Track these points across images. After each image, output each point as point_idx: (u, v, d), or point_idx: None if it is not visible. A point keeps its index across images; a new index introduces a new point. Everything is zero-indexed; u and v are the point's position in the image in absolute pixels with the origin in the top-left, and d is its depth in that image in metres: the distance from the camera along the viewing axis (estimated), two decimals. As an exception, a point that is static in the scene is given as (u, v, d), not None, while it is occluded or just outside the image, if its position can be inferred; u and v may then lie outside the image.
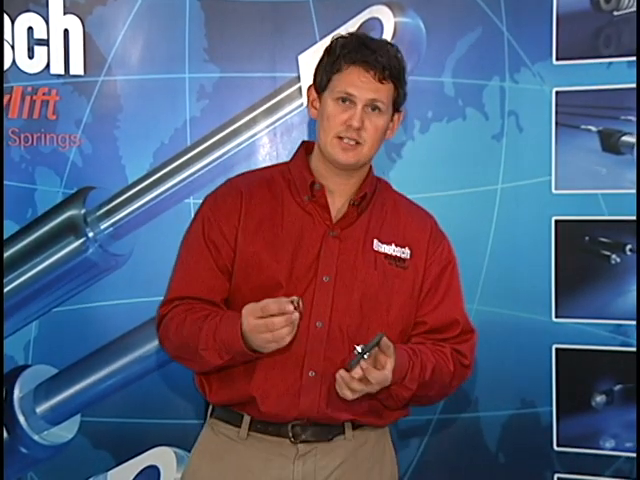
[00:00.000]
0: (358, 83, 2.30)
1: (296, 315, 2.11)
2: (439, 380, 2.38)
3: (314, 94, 2.39)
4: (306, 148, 2.48)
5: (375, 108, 2.33)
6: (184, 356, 2.36)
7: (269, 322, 2.13)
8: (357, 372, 2.18)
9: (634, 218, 3.27)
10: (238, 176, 2.52)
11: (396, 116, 2.40)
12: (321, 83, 2.35)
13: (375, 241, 2.40)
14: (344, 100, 2.31)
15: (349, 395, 2.20)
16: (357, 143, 2.32)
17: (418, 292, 2.44)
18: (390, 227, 2.43)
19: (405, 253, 2.42)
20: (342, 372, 2.18)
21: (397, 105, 2.38)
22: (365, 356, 2.15)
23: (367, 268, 2.38)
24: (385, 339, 2.19)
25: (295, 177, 2.41)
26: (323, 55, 2.39)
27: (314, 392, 2.35)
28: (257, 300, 2.21)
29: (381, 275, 2.39)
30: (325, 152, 2.36)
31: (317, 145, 2.41)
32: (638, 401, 3.23)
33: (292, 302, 2.12)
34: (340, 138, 2.32)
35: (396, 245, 2.42)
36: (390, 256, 2.41)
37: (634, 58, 3.25)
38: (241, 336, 2.19)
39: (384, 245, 2.41)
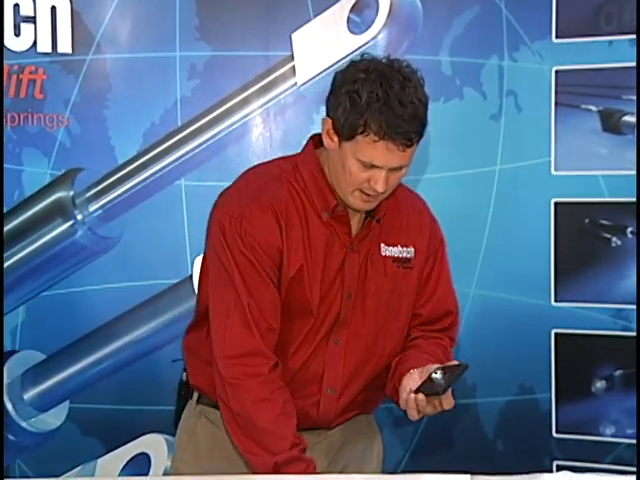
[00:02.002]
0: (386, 155, 2.18)
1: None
2: None
3: (331, 127, 2.22)
4: (315, 144, 2.36)
5: (399, 168, 2.24)
6: (235, 435, 2.29)
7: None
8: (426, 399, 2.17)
9: (635, 200, 3.26)
10: (257, 187, 2.31)
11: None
12: (342, 130, 2.19)
13: (382, 245, 2.36)
14: (368, 166, 2.21)
15: (416, 417, 2.19)
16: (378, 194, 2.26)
17: (418, 286, 2.43)
18: (394, 228, 2.38)
19: (410, 252, 2.39)
20: (420, 396, 2.15)
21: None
22: (449, 388, 2.13)
23: (378, 277, 2.34)
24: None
25: (313, 193, 2.30)
26: (342, 91, 2.19)
27: (331, 407, 2.35)
28: (290, 320, 2.25)
29: (391, 281, 2.36)
30: (344, 199, 2.27)
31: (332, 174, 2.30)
32: (638, 387, 3.21)
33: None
34: (362, 191, 2.24)
35: (401, 246, 2.38)
36: (397, 258, 2.37)
37: (635, 36, 3.23)
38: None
39: (390, 247, 2.37)
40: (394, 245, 2.37)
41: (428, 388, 2.12)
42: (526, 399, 3.44)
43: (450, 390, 2.17)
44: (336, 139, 2.22)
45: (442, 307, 2.43)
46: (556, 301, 3.41)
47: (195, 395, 2.44)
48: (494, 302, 3.39)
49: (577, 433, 3.42)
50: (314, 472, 2.17)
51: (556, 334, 3.42)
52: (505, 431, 3.47)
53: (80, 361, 3.39)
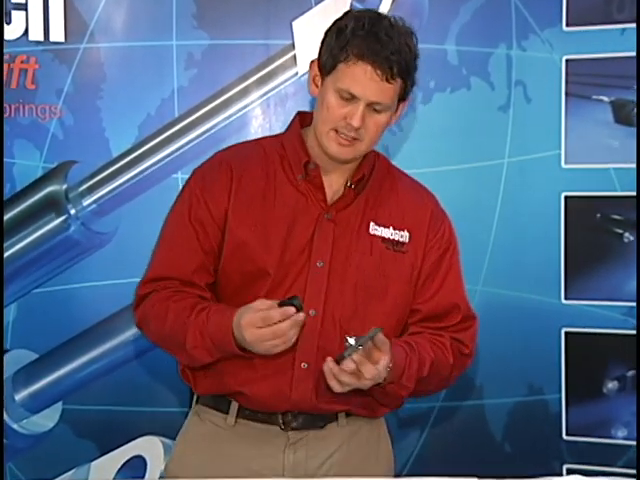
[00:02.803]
0: (363, 82, 2.21)
1: (301, 316, 2.10)
2: (438, 375, 2.34)
3: (317, 70, 2.30)
4: (301, 120, 2.40)
5: (378, 108, 2.26)
6: (168, 347, 2.35)
7: (276, 329, 2.11)
8: (348, 365, 2.13)
9: (645, 194, 3.24)
10: (228, 148, 2.46)
11: (401, 104, 2.33)
12: (325, 65, 2.26)
13: (371, 224, 2.34)
14: (346, 97, 2.23)
15: (338, 388, 2.16)
16: (355, 139, 2.26)
17: (416, 278, 2.38)
18: (388, 208, 2.37)
19: (404, 237, 2.36)
20: (331, 364, 2.13)
21: (404, 96, 2.30)
22: (358, 349, 2.11)
23: (362, 254, 2.32)
24: (381, 335, 2.14)
25: (289, 154, 2.35)
26: (332, 29, 2.28)
27: (306, 384, 2.30)
28: (246, 286, 2.26)
29: (377, 261, 2.33)
30: (320, 142, 2.30)
31: (313, 124, 2.35)
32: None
33: (294, 304, 2.10)
34: (337, 132, 2.25)
35: (394, 228, 2.35)
36: (387, 240, 2.34)
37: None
38: (232, 336, 2.17)
39: (381, 228, 2.35)
40: (385, 226, 2.35)
41: (342, 355, 2.12)
42: (535, 400, 3.42)
43: (365, 357, 2.13)
44: (320, 80, 2.27)
45: (447, 303, 2.39)
46: (566, 299, 3.39)
47: (196, 395, 2.45)
48: (502, 300, 3.37)
49: (588, 435, 3.39)
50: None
51: (566, 333, 3.39)
52: (513, 433, 3.45)
53: (73, 361, 3.36)
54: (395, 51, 2.20)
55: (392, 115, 2.30)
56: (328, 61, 2.24)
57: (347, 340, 2.11)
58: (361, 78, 2.20)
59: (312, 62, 2.32)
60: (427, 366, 2.29)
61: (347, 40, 2.21)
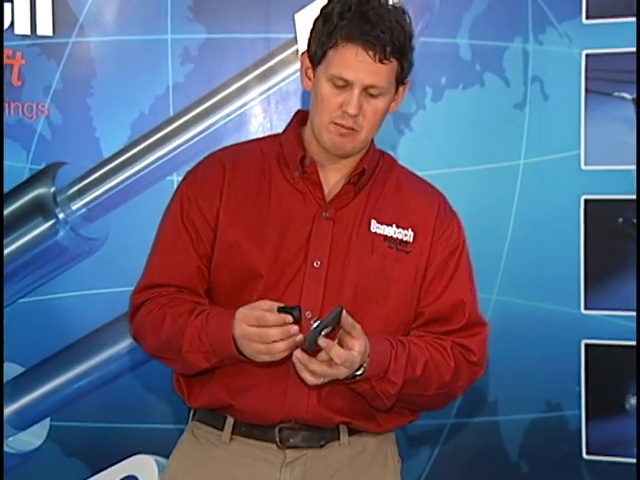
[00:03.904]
0: (355, 65, 2.18)
1: (295, 329, 2.05)
2: (435, 377, 2.27)
3: (308, 62, 2.28)
4: (300, 119, 2.38)
5: (374, 92, 2.23)
6: (165, 356, 2.31)
7: (263, 333, 2.07)
8: (321, 356, 2.09)
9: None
10: (223, 149, 2.45)
11: (401, 88, 2.29)
12: (315, 55, 2.24)
13: (373, 221, 2.30)
14: (339, 84, 2.21)
15: (310, 379, 2.09)
16: (353, 129, 2.23)
17: (421, 280, 2.33)
18: (391, 206, 2.33)
19: (408, 235, 2.31)
20: (298, 352, 2.07)
21: (402, 79, 2.27)
22: (322, 333, 2.04)
23: (362, 252, 2.28)
24: (348, 317, 2.08)
25: (285, 151, 2.34)
26: (318, 18, 2.26)
27: (301, 390, 2.25)
28: (238, 288, 2.24)
29: (379, 260, 2.29)
30: (318, 136, 2.27)
31: (310, 119, 2.35)
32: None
33: (293, 314, 2.07)
34: (336, 123, 2.23)
35: (397, 226, 2.30)
36: (390, 238, 2.30)
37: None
38: (233, 339, 2.13)
39: (383, 226, 2.30)
40: (388, 224, 2.30)
41: (307, 342, 2.08)
42: (553, 417, 3.37)
43: (333, 341, 2.09)
44: (312, 73, 2.24)
45: (448, 305, 2.33)
46: (586, 309, 3.34)
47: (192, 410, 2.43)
48: (517, 309, 3.33)
49: (610, 454, 3.35)
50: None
51: (586, 345, 3.35)
52: (530, 452, 3.41)
53: (62, 374, 3.34)
54: (386, 30, 2.17)
55: (391, 100, 2.26)
56: (317, 50, 2.22)
57: (311, 325, 2.08)
58: (352, 61, 2.17)
59: (302, 54, 2.30)
60: (420, 364, 2.22)
61: (334, 25, 2.19)
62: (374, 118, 2.23)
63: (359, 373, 2.14)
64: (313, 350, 2.07)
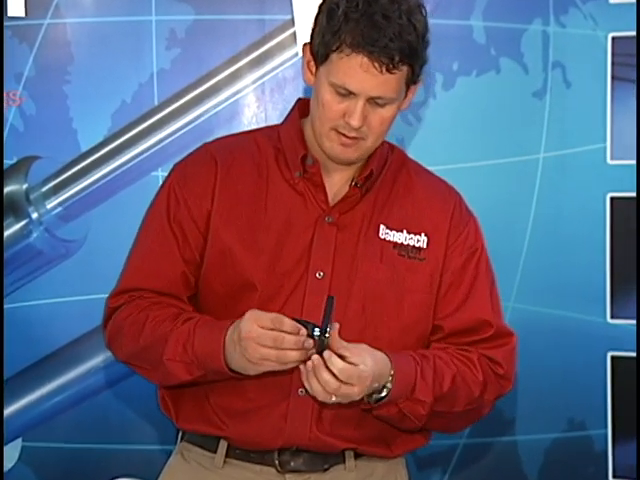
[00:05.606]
0: (360, 76, 2.12)
1: (310, 344, 2.00)
2: (464, 392, 2.22)
3: (310, 56, 2.22)
4: (301, 108, 2.31)
5: (381, 102, 2.18)
6: (141, 364, 2.25)
7: (279, 337, 2.00)
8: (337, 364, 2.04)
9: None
10: (215, 140, 2.39)
11: (412, 88, 2.23)
12: (318, 52, 2.18)
13: (381, 227, 2.25)
14: (342, 92, 2.15)
15: (320, 391, 2.00)
16: (357, 138, 2.19)
17: (437, 288, 2.28)
18: (401, 209, 2.28)
19: (421, 241, 2.26)
20: (315, 357, 1.99)
21: (413, 80, 2.21)
22: (326, 335, 2.00)
23: (370, 262, 2.24)
24: (338, 339, 2.02)
25: (285, 147, 2.29)
26: (323, 7, 2.19)
27: (304, 414, 2.20)
28: (232, 299, 2.20)
29: (389, 269, 2.24)
30: (319, 142, 2.23)
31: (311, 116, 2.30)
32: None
33: (307, 327, 2.02)
34: (338, 131, 2.18)
35: (409, 232, 2.26)
36: (401, 245, 2.25)
37: None
38: (222, 352, 2.08)
39: (393, 232, 2.25)
40: (399, 230, 2.26)
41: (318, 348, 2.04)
42: (576, 436, 3.32)
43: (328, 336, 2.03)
44: (314, 68, 2.19)
45: (474, 318, 2.27)
46: (612, 317, 3.27)
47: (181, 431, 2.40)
48: (537, 318, 3.27)
49: (638, 478, 3.22)
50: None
51: (612, 357, 3.28)
52: (551, 476, 3.34)
53: (35, 390, 3.28)
54: (396, 36, 2.10)
55: (400, 104, 2.21)
56: (320, 48, 2.16)
57: (307, 329, 2.04)
58: (357, 72, 2.12)
59: (305, 46, 2.24)
60: (448, 380, 2.18)
61: (339, 24, 2.12)
62: (380, 128, 2.19)
63: (383, 395, 2.08)
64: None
